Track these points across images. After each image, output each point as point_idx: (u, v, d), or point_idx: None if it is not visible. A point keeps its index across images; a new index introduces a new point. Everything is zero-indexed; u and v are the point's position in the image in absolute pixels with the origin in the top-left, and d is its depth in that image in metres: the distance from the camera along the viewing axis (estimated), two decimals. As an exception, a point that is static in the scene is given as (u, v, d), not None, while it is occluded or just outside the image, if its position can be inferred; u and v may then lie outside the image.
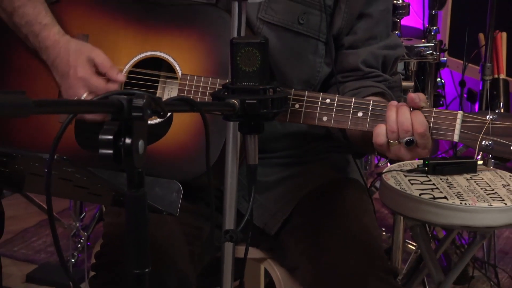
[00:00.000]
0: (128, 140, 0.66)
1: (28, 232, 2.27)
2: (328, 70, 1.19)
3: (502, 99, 2.07)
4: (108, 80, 1.12)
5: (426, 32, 2.04)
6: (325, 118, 1.03)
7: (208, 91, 1.10)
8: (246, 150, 0.92)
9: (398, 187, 1.42)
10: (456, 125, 0.97)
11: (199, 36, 1.12)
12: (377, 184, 1.98)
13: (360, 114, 1.02)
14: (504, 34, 2.13)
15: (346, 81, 1.18)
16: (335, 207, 1.16)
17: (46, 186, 0.68)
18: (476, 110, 2.13)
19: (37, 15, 1.15)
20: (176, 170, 1.09)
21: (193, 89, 1.11)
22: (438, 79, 2.15)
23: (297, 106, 1.04)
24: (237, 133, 0.96)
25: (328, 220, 1.13)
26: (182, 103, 0.77)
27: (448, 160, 1.55)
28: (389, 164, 1.73)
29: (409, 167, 1.53)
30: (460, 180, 1.49)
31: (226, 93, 0.90)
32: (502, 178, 1.51)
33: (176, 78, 1.14)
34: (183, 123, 1.11)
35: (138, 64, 1.16)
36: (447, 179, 1.48)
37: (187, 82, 1.11)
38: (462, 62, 2.23)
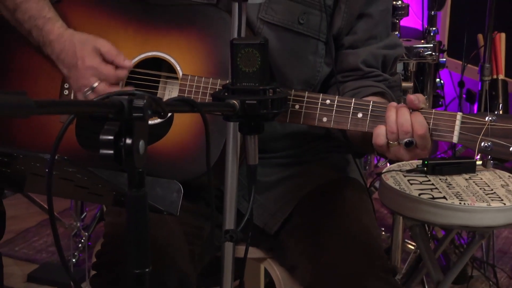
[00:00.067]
0: (128, 140, 0.67)
1: (29, 232, 2.27)
2: (328, 70, 1.20)
3: (501, 100, 2.08)
4: (117, 67, 1.12)
5: (425, 33, 2.05)
6: (325, 119, 1.04)
7: (208, 91, 1.10)
8: (246, 150, 0.92)
9: (397, 187, 1.43)
10: (456, 126, 0.98)
11: (200, 37, 1.13)
12: (377, 184, 1.99)
13: (360, 115, 1.02)
14: (503, 35, 2.14)
15: (346, 80, 1.19)
16: (335, 207, 1.16)
17: (47, 186, 0.68)
18: (475, 110, 2.13)
19: (40, 9, 1.15)
20: (177, 170, 1.10)
21: (193, 89, 1.11)
22: (437, 80, 2.15)
23: (297, 106, 1.05)
24: (237, 134, 0.96)
25: (328, 220, 1.14)
26: (183, 104, 0.77)
27: (447, 160, 1.56)
28: (388, 164, 1.74)
29: (408, 167, 1.54)
30: (459, 180, 1.49)
31: (226, 94, 0.91)
32: (501, 178, 1.51)
33: (176, 78, 1.14)
34: (183, 124, 1.11)
35: (139, 64, 1.17)
36: (446, 179, 1.49)
37: (188, 83, 1.12)
38: (461, 62, 2.23)
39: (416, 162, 1.53)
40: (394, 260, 1.82)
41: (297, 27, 1.15)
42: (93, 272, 1.09)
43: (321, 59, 1.18)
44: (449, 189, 1.43)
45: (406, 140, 0.97)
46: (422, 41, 2.02)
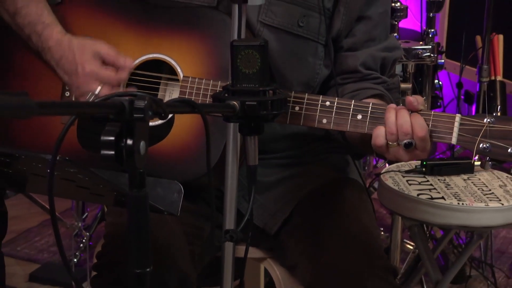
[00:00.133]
0: (129, 141, 0.67)
1: (31, 232, 2.28)
2: (327, 72, 1.21)
3: (499, 101, 2.08)
4: (117, 69, 1.12)
5: (423, 34, 2.05)
6: (324, 121, 1.04)
7: (209, 93, 1.11)
8: (246, 151, 0.93)
9: (396, 188, 1.43)
10: (454, 128, 0.98)
11: (201, 39, 1.13)
12: (376, 185, 1.99)
13: (359, 116, 1.03)
14: (501, 37, 2.15)
15: (345, 83, 1.19)
16: (334, 207, 1.17)
17: (48, 187, 0.68)
18: (473, 111, 2.14)
19: (40, 15, 1.15)
20: (178, 171, 1.10)
21: (194, 91, 1.12)
22: (436, 81, 2.16)
23: (297, 108, 1.05)
24: (237, 134, 0.97)
25: (328, 220, 1.14)
26: (183, 105, 0.78)
27: (446, 161, 1.57)
28: (387, 165, 1.74)
29: (407, 168, 1.54)
30: (457, 181, 1.50)
31: (226, 95, 0.91)
32: (499, 178, 1.52)
33: (177, 80, 1.15)
34: (184, 125, 1.12)
35: (140, 66, 1.17)
36: (444, 180, 1.49)
37: (189, 85, 1.12)
38: (459, 64, 2.24)
39: (415, 163, 1.54)
40: (393, 260, 1.83)
41: (297, 30, 1.16)
42: (94, 273, 1.09)
43: (320, 61, 1.19)
44: (447, 189, 1.44)
45: (405, 141, 0.98)
46: (421, 42, 2.02)
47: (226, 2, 1.13)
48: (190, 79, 1.12)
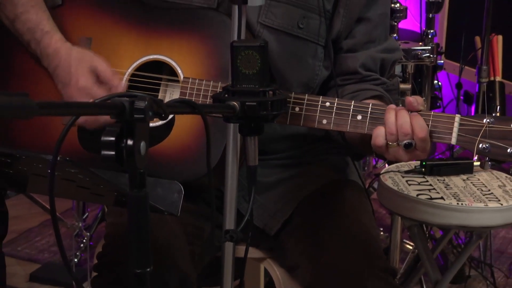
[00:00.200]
0: (130, 142, 0.67)
1: (31, 232, 2.28)
2: (327, 73, 1.21)
3: (498, 101, 2.09)
4: (110, 89, 1.12)
5: (423, 35, 2.06)
6: (324, 121, 1.05)
7: (209, 94, 1.11)
8: (246, 151, 0.93)
9: (395, 188, 1.44)
10: (454, 128, 0.99)
11: (201, 40, 1.14)
12: (375, 185, 2.00)
13: (359, 117, 1.03)
14: (500, 37, 2.15)
15: (345, 84, 1.20)
16: (334, 208, 1.17)
17: (49, 187, 0.68)
18: (473, 112, 2.14)
19: (39, 22, 1.15)
20: (178, 171, 1.10)
21: (194, 92, 1.12)
22: (435, 82, 2.16)
23: (297, 109, 1.06)
24: (238, 135, 0.97)
25: (328, 220, 1.14)
26: (184, 105, 0.78)
27: (445, 161, 1.57)
28: (386, 165, 1.75)
29: (406, 168, 1.55)
30: (456, 181, 1.50)
31: (226, 95, 0.92)
32: (498, 179, 1.52)
33: (178, 81, 1.15)
34: (184, 125, 1.12)
35: (141, 68, 1.17)
36: (444, 180, 1.50)
37: (189, 85, 1.12)
38: (458, 64, 2.24)
39: (414, 163, 1.54)
40: (392, 260, 1.83)
41: (297, 31, 1.16)
42: (94, 273, 1.09)
43: (320, 63, 1.19)
44: (447, 189, 1.45)
45: (405, 141, 0.98)
46: (420, 43, 2.03)
47: (226, 3, 1.13)
48: (190, 80, 1.12)
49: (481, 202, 1.38)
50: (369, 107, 1.03)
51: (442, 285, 1.50)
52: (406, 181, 1.48)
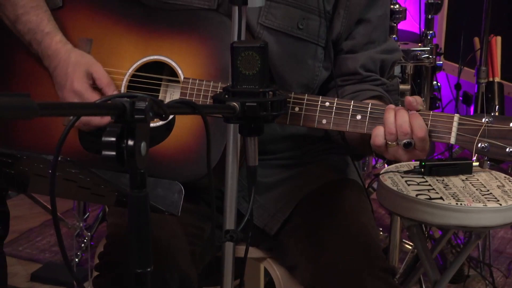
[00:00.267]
0: (130, 142, 0.67)
1: (32, 232, 2.29)
2: (327, 74, 1.21)
3: (497, 102, 2.09)
4: (103, 96, 1.12)
5: (422, 36, 2.06)
6: (324, 121, 1.05)
7: (209, 94, 1.11)
8: (246, 151, 0.93)
9: (395, 188, 1.44)
10: (453, 127, 0.99)
11: (201, 40, 1.14)
12: (375, 185, 2.00)
13: (358, 117, 1.03)
14: (499, 38, 2.16)
15: (345, 85, 1.20)
16: (334, 208, 1.17)
17: (50, 187, 0.69)
18: (472, 112, 2.15)
19: (39, 22, 1.16)
20: (178, 172, 1.11)
21: (195, 92, 1.12)
22: (434, 82, 2.17)
23: (297, 109, 1.06)
24: (238, 135, 0.98)
25: (328, 220, 1.15)
26: (184, 106, 0.79)
27: (444, 162, 1.57)
28: (386, 165, 1.75)
29: (405, 168, 1.55)
30: (455, 181, 1.50)
31: (226, 96, 0.92)
32: (497, 179, 1.53)
33: (178, 81, 1.16)
34: (185, 126, 1.13)
35: (141, 68, 1.18)
36: (443, 180, 1.50)
37: (189, 86, 1.13)
38: (457, 65, 2.25)
39: (414, 163, 1.55)
40: (392, 260, 1.84)
41: (297, 32, 1.16)
42: (95, 273, 1.10)
43: (320, 64, 1.20)
44: (446, 189, 1.45)
45: (405, 141, 0.99)
46: (419, 44, 2.03)
47: (226, 4, 1.14)
48: (190, 80, 1.13)
49: (480, 202, 1.39)
50: (368, 107, 1.03)
51: (441, 284, 1.50)
52: (406, 181, 1.48)
